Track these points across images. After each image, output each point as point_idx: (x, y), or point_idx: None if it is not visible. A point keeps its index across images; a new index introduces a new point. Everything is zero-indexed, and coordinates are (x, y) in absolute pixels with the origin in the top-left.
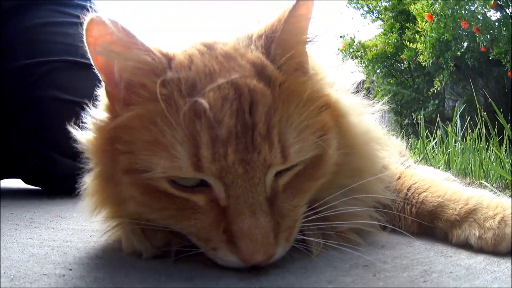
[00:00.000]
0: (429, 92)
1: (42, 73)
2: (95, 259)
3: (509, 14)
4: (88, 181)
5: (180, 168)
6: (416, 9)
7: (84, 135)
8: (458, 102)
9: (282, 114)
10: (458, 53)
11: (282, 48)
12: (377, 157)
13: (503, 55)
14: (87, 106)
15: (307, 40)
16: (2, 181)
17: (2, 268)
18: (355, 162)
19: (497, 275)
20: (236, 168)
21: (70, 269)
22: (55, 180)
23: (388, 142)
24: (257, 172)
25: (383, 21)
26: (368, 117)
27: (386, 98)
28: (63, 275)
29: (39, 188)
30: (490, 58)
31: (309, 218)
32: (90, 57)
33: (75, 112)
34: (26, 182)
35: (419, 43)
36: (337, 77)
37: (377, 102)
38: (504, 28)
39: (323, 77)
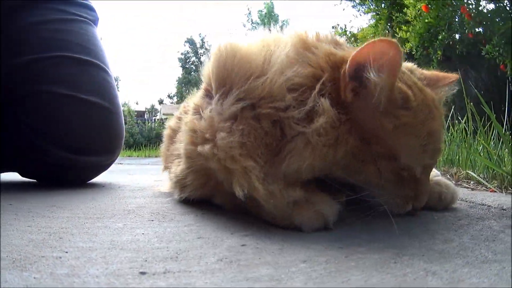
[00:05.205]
0: None
1: (40, 69)
2: (89, 243)
3: (504, 5)
4: None
5: None
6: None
7: None
8: None
9: None
10: (445, 39)
11: None
12: None
13: (496, 52)
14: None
15: None
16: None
17: (5, 252)
18: None
19: (469, 260)
20: None
21: (66, 252)
22: (50, 172)
23: None
24: None
25: (376, 12)
26: None
27: None
28: (60, 257)
29: (35, 180)
30: (483, 53)
31: None
32: None
33: (70, 106)
34: (23, 175)
35: (407, 33)
36: None
37: None
38: (498, 20)
39: None
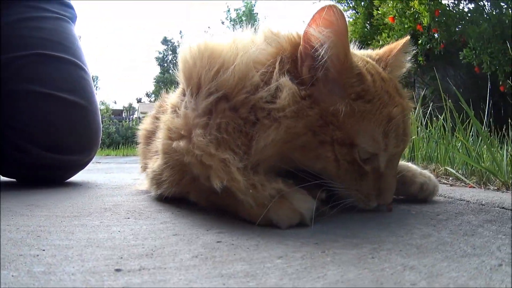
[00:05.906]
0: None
1: (18, 67)
2: (65, 241)
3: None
4: None
5: None
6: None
7: None
8: (425, 90)
9: None
10: (418, 44)
11: None
12: None
13: (473, 55)
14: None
15: None
16: None
17: None
18: None
19: (447, 254)
20: None
21: (43, 250)
22: (30, 171)
23: None
24: None
25: (355, 10)
26: None
27: None
28: (37, 255)
29: (15, 180)
30: (461, 57)
31: None
32: None
33: (49, 104)
34: (3, 175)
35: (387, 36)
36: None
37: None
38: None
39: None
